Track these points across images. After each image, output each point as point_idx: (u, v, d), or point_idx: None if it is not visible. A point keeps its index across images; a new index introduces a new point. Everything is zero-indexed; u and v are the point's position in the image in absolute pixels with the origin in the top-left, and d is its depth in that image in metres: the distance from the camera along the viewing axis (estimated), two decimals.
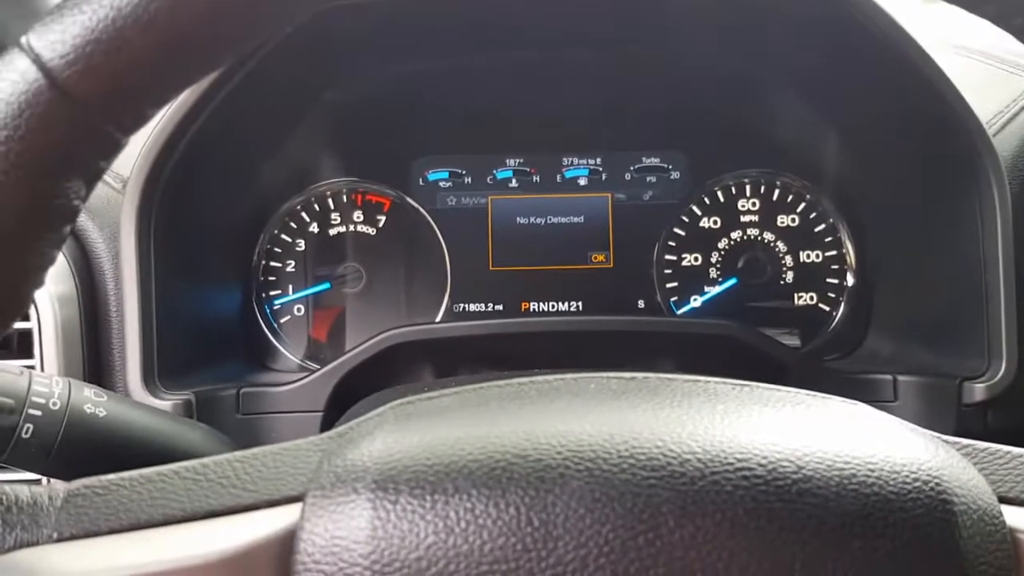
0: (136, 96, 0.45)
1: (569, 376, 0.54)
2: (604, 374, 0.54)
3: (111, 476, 0.48)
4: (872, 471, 0.45)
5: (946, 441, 0.52)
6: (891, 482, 0.44)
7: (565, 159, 1.42)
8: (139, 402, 0.82)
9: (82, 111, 0.44)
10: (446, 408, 0.50)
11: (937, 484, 0.45)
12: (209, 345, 1.21)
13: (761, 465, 0.44)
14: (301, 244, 1.38)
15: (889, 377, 1.14)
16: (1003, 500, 0.49)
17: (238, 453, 0.50)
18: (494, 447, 0.45)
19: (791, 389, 0.53)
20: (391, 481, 0.44)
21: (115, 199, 1.13)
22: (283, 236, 1.38)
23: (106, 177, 1.14)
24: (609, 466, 0.44)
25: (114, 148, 0.46)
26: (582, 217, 1.41)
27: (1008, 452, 0.51)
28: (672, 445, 0.45)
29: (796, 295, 1.38)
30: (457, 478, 0.43)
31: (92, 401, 0.70)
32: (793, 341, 1.36)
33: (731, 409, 0.49)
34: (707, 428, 0.46)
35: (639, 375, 0.54)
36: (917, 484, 0.45)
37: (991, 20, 0.49)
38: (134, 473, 0.48)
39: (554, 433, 0.46)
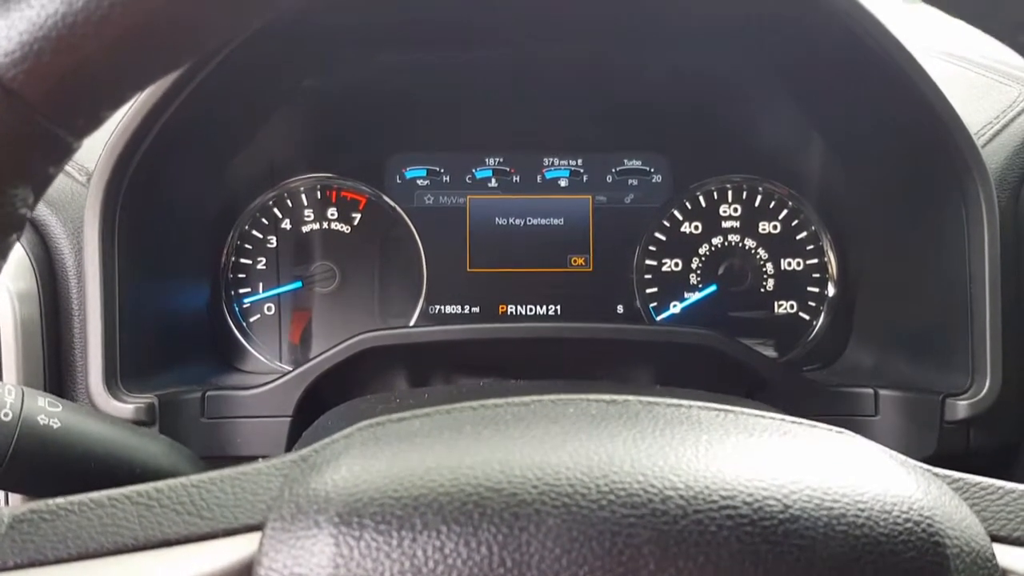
0: (89, 98, 0.42)
1: (547, 398, 0.51)
2: (584, 396, 0.52)
3: (59, 500, 0.45)
4: (862, 510, 0.43)
5: (936, 474, 0.50)
6: (882, 522, 0.42)
7: (546, 159, 1.40)
8: (97, 412, 0.79)
9: (30, 113, 0.41)
10: (416, 432, 0.48)
11: (929, 525, 0.43)
12: (175, 345, 1.18)
13: (747, 503, 0.42)
14: (272, 241, 1.35)
15: (870, 391, 1.12)
16: (995, 539, 0.47)
17: (194, 477, 0.47)
18: (466, 479, 0.42)
19: (777, 415, 0.51)
20: (355, 514, 0.41)
21: (79, 192, 1.10)
22: (254, 232, 1.35)
23: (70, 169, 1.12)
24: (587, 502, 0.41)
25: (65, 152, 0.43)
26: (562, 219, 1.39)
27: (1001, 487, 0.50)
28: (654, 480, 0.42)
29: (776, 303, 1.37)
30: (426, 512, 0.41)
31: (46, 412, 0.67)
32: (770, 351, 1.34)
33: (715, 440, 0.47)
34: (690, 461, 0.44)
35: (619, 398, 0.51)
36: (909, 525, 0.43)
37: (995, 36, 0.47)
38: (83, 497, 0.46)
39: (530, 464, 0.43)
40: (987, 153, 1.10)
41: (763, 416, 0.51)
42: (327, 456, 0.47)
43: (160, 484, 0.46)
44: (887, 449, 0.50)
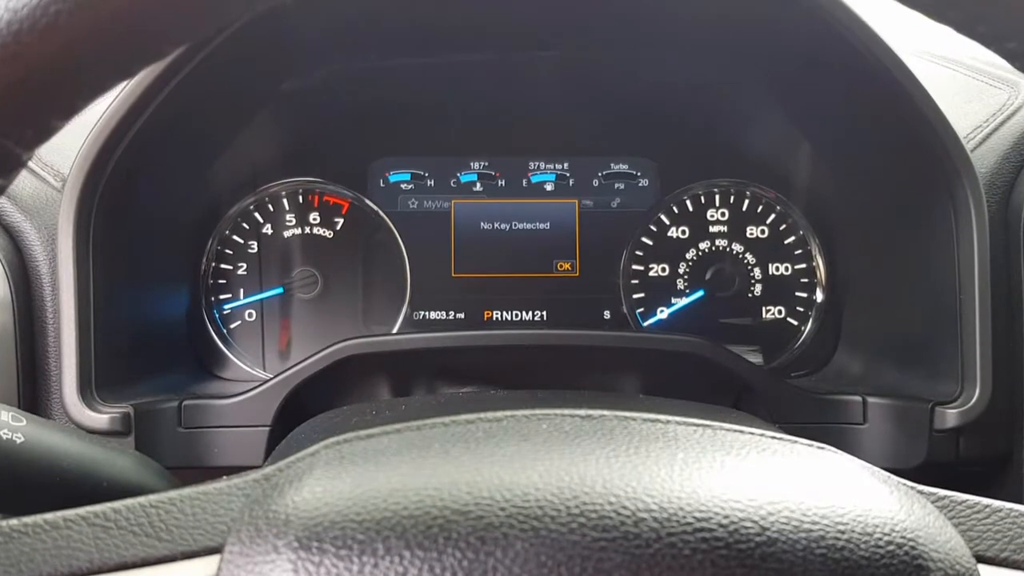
0: (38, 108, 0.40)
1: (520, 413, 0.50)
2: (558, 411, 0.50)
3: (12, 521, 0.44)
4: (842, 532, 0.41)
5: (921, 492, 0.48)
6: (862, 545, 0.41)
7: (531, 163, 1.38)
8: (63, 426, 0.77)
9: None
10: (383, 450, 0.46)
11: (912, 548, 0.42)
12: (152, 353, 1.16)
13: (722, 526, 0.41)
14: (253, 246, 1.33)
15: (859, 399, 1.11)
16: (981, 559, 0.46)
17: (154, 496, 0.46)
18: (432, 501, 0.41)
19: (757, 430, 0.50)
20: (315, 538, 0.40)
21: (53, 198, 1.08)
22: (234, 237, 1.33)
23: (44, 174, 1.10)
24: (557, 525, 0.40)
25: (15, 164, 0.41)
26: (548, 223, 1.37)
27: (988, 505, 0.48)
28: (626, 502, 0.41)
29: (764, 309, 1.36)
30: (389, 537, 0.40)
31: (9, 426, 0.65)
32: (757, 358, 1.32)
33: (691, 458, 0.45)
34: (665, 481, 0.43)
35: (595, 413, 0.50)
36: (891, 548, 0.42)
37: (983, 43, 0.46)
38: (38, 518, 0.44)
39: (498, 485, 0.42)
40: (976, 157, 1.09)
41: (742, 432, 0.49)
42: (290, 475, 0.45)
43: (118, 504, 0.45)
44: (869, 466, 0.49)
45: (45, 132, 0.41)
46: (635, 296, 1.37)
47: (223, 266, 1.33)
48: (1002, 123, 1.14)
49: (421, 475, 0.43)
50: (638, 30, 1.14)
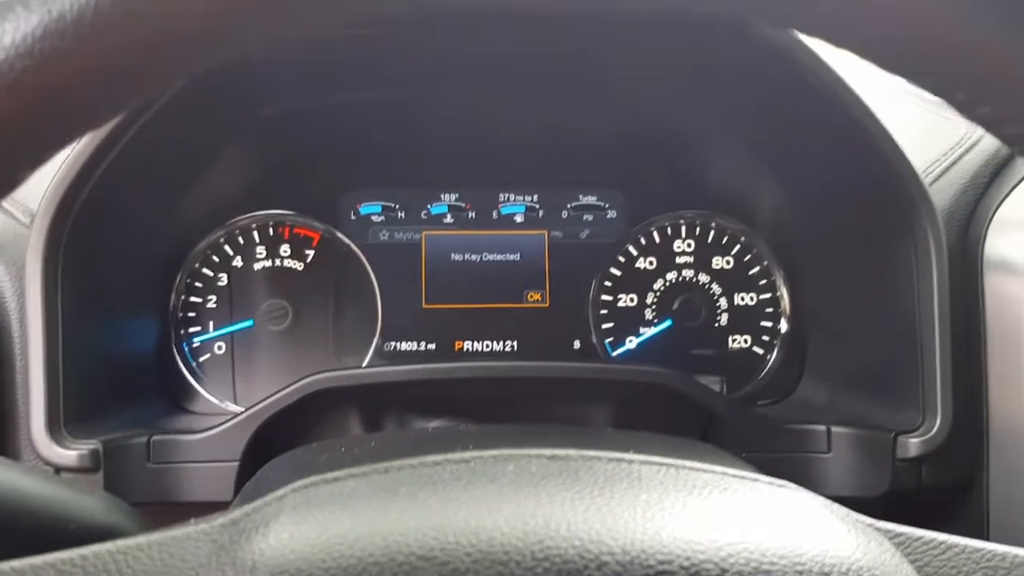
0: (3, 161, 0.40)
1: (487, 454, 0.51)
2: (525, 451, 0.51)
3: None
4: (800, 572, 0.42)
5: (878, 529, 0.49)
6: None
7: (501, 195, 1.40)
8: (30, 467, 0.76)
9: None
10: (350, 494, 0.47)
11: None
12: (121, 388, 1.15)
13: (683, 568, 0.41)
14: (223, 279, 1.33)
15: (823, 428, 1.12)
16: None
17: (121, 542, 0.46)
18: (398, 547, 0.41)
19: (719, 468, 0.51)
20: None
21: (22, 234, 1.08)
22: (204, 270, 1.33)
23: (12, 210, 1.10)
24: (522, 570, 0.40)
25: None
26: (518, 255, 1.38)
27: (943, 541, 0.49)
28: (590, 545, 0.42)
29: (730, 338, 1.37)
30: None
31: None
32: (724, 387, 1.34)
33: (654, 499, 0.46)
34: (628, 523, 0.43)
35: (560, 453, 0.51)
36: None
37: (933, 92, 0.47)
38: (5, 565, 0.44)
39: (464, 529, 0.42)
40: (936, 190, 1.11)
41: (704, 471, 0.50)
42: (256, 521, 0.45)
43: (86, 551, 0.45)
44: (828, 502, 0.50)
45: (10, 184, 0.41)
46: (604, 326, 1.38)
47: (192, 299, 1.32)
48: (960, 156, 1.16)
49: (387, 520, 0.43)
50: (602, 72, 1.16)
